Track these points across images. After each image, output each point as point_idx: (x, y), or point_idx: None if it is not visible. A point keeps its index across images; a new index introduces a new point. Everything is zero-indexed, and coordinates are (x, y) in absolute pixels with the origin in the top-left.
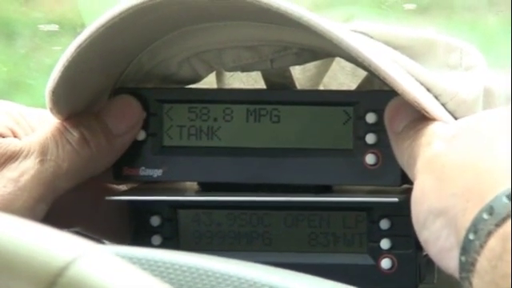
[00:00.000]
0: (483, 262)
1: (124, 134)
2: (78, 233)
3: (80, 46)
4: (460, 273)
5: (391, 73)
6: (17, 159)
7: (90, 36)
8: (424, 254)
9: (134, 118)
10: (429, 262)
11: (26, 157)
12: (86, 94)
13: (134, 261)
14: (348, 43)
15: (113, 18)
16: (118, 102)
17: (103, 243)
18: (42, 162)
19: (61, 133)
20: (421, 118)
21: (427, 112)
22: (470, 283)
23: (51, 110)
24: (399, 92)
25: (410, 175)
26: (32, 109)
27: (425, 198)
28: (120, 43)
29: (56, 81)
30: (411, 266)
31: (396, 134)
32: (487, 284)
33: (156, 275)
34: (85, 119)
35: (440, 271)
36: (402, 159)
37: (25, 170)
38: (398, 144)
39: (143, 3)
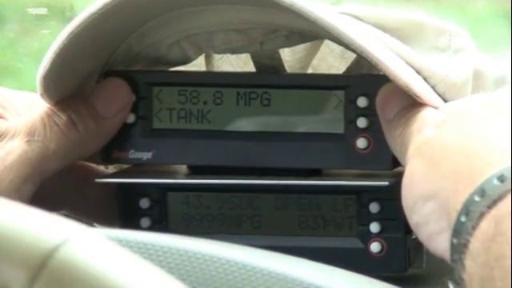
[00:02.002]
0: (476, 243)
1: (113, 117)
2: (66, 215)
3: (72, 32)
4: (452, 255)
5: (383, 59)
6: (3, 139)
7: (82, 22)
8: (413, 237)
9: (122, 100)
10: (418, 246)
11: (12, 137)
12: (76, 77)
13: (123, 243)
14: (341, 30)
15: (106, 5)
16: (106, 84)
17: (92, 226)
18: (28, 142)
19: (48, 115)
20: (412, 105)
21: (418, 97)
22: (463, 265)
23: (42, 95)
24: (391, 77)
25: (402, 162)
26: (17, 92)
27: (415, 182)
28: (111, 27)
29: (48, 67)
30: (400, 249)
31: (388, 122)
32: (480, 266)
33: (145, 257)
34: (73, 102)
35: (429, 254)
36: (394, 147)
37: (11, 150)
38: (390, 132)
39: None
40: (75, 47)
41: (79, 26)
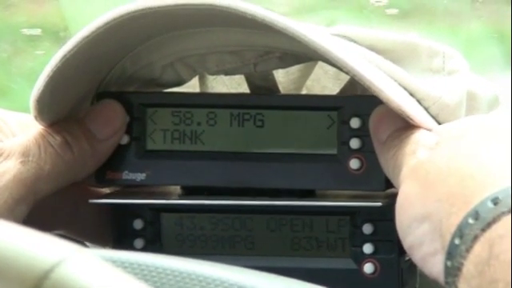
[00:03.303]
0: (469, 266)
1: (108, 139)
2: (61, 236)
3: (65, 56)
4: (445, 278)
5: (376, 82)
6: None
7: (75, 46)
8: (406, 258)
9: (117, 122)
10: (411, 267)
11: (7, 157)
12: (69, 99)
13: (117, 264)
14: (334, 54)
15: (98, 29)
16: (101, 106)
17: (86, 246)
18: (23, 162)
19: (43, 137)
20: (405, 127)
21: (411, 119)
22: None
23: (36, 117)
24: (384, 100)
25: (395, 184)
26: (13, 113)
27: (409, 204)
28: (105, 49)
29: (41, 90)
30: (394, 270)
31: (381, 144)
32: None
33: (139, 278)
34: (67, 124)
35: (422, 276)
36: (387, 168)
37: (6, 170)
38: (383, 153)
39: (129, 13)
40: (68, 70)
41: (72, 49)
